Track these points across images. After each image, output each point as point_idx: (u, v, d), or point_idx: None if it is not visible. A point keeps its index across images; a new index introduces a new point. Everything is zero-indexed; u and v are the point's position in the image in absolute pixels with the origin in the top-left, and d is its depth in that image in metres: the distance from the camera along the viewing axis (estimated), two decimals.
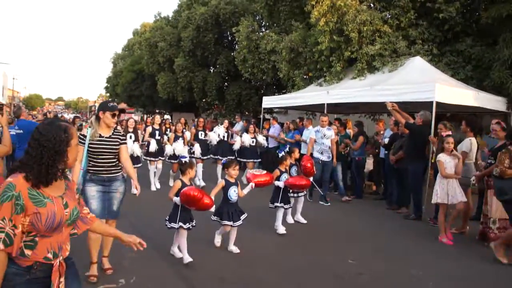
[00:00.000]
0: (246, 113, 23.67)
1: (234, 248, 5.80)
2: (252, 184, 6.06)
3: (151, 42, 27.96)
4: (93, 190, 4.53)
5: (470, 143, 7.60)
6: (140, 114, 43.28)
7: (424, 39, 12.49)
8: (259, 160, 12.32)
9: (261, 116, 16.29)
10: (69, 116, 40.30)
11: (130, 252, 5.37)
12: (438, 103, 8.73)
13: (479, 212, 7.78)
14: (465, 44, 12.11)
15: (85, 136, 4.47)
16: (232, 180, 5.78)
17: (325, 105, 11.55)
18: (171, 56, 25.90)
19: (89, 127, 4.56)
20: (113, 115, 4.56)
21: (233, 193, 5.70)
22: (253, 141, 11.79)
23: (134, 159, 9.11)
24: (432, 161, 8.03)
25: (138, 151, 9.96)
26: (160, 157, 10.68)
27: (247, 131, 12.42)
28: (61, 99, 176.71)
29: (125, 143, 4.80)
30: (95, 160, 4.53)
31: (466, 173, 7.33)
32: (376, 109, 14.20)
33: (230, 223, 5.64)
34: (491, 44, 11.80)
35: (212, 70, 25.49)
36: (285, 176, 7.05)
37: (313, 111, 16.09)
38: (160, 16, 32.88)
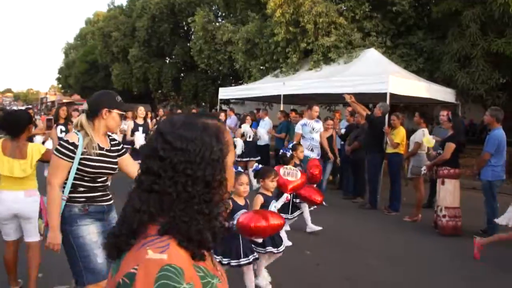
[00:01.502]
0: (203, 104, 23.47)
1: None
2: (287, 195, 5.03)
3: (105, 32, 27.21)
4: (93, 232, 2.96)
5: (423, 134, 7.80)
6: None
7: (378, 32, 12.71)
8: (259, 157, 10.35)
9: (218, 107, 16.17)
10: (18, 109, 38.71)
11: None
12: (391, 95, 8.89)
13: (431, 200, 8.02)
14: (417, 37, 12.44)
15: (75, 147, 2.87)
16: (270, 194, 4.43)
17: (282, 96, 11.56)
18: (126, 46, 25.31)
19: (78, 131, 2.98)
20: (122, 116, 3.18)
21: (274, 209, 4.25)
22: (250, 136, 10.52)
23: None
24: (386, 151, 8.18)
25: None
26: None
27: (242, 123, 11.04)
28: (10, 90, 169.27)
29: (126, 152, 3.37)
30: (89, 183, 2.96)
31: (418, 163, 7.54)
32: (332, 100, 14.36)
33: (275, 249, 4.25)
34: (441, 37, 12.15)
35: (167, 61, 25.12)
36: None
37: (270, 102, 16.12)
38: (113, 5, 31.98)
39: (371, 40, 12.40)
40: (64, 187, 2.89)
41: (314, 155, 7.98)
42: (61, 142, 2.88)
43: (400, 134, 7.95)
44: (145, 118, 9.31)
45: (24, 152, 3.81)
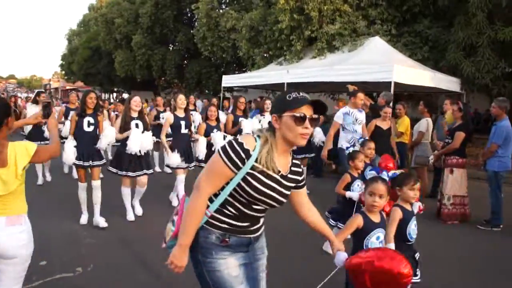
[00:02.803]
0: (206, 91, 23.41)
1: None
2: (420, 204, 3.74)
3: (108, 18, 27.09)
4: (233, 265, 2.25)
5: (427, 124, 7.79)
6: (98, 92, 42.22)
7: (383, 19, 12.59)
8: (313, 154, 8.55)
9: (221, 95, 16.11)
10: (23, 95, 38.60)
11: (88, 238, 5.26)
12: (396, 83, 8.83)
13: (434, 190, 7.98)
14: (423, 25, 12.31)
15: (247, 155, 2.07)
16: (410, 208, 3.42)
17: (285, 84, 11.50)
18: (129, 33, 25.20)
19: (258, 136, 2.16)
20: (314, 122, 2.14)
21: (414, 229, 3.38)
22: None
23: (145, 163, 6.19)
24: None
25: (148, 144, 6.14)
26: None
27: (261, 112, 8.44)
28: (13, 77, 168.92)
29: (304, 185, 2.43)
30: (243, 207, 2.18)
31: (422, 152, 7.52)
32: (336, 88, 14.28)
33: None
34: (447, 26, 12.02)
35: (171, 48, 25.03)
36: (358, 185, 4.72)
37: (273, 90, 16.05)
38: None
39: (376, 28, 12.28)
40: (211, 201, 2.17)
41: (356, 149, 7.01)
42: (234, 143, 2.08)
43: (404, 123, 7.91)
44: (186, 109, 6.87)
45: (2, 157, 2.55)
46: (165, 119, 6.86)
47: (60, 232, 5.49)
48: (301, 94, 2.12)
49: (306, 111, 2.06)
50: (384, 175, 3.72)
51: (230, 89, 20.16)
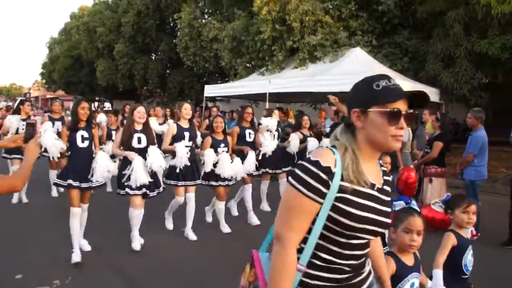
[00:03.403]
0: (189, 101, 23.35)
1: None
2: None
3: (90, 27, 26.89)
4: None
5: (408, 133, 7.92)
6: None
7: (364, 31, 12.78)
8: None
9: (203, 105, 16.11)
10: (2, 104, 37.98)
11: (66, 250, 5.20)
12: None
13: (416, 198, 8.07)
14: (402, 37, 12.53)
15: (329, 175, 1.53)
16: (463, 234, 2.98)
17: (267, 94, 11.55)
18: (111, 42, 25.04)
19: (333, 146, 1.65)
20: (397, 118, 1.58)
21: (471, 259, 2.94)
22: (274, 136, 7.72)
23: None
24: None
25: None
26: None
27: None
28: None
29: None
30: (342, 248, 1.63)
31: (404, 162, 7.62)
32: (317, 99, 14.38)
33: None
34: (426, 37, 12.26)
35: (153, 57, 24.92)
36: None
37: (255, 100, 16.10)
38: (99, 0, 31.66)
39: (356, 39, 12.46)
40: (299, 251, 1.60)
41: None
42: (307, 165, 1.54)
43: None
44: (190, 120, 6.12)
45: None
46: (168, 129, 6.08)
47: (36, 245, 5.41)
48: (392, 82, 1.62)
49: (401, 105, 1.56)
50: (414, 205, 3.42)
51: (212, 99, 20.17)
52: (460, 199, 3.06)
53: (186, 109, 5.98)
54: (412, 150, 8.18)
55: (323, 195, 1.51)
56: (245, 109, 7.03)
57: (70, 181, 4.82)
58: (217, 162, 5.96)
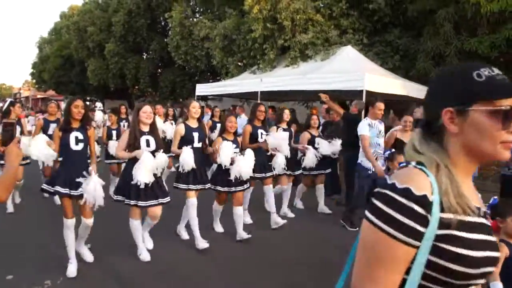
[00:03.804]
0: (181, 100, 23.33)
1: None
2: None
3: (80, 27, 26.76)
4: None
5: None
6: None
7: (355, 29, 12.80)
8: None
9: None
10: None
11: (57, 250, 5.17)
12: (367, 92, 8.96)
13: None
14: (393, 35, 12.58)
15: (425, 206, 1.08)
16: None
17: (259, 93, 11.55)
18: (102, 42, 24.93)
19: (421, 166, 1.17)
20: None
21: None
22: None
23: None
24: None
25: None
26: None
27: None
28: None
29: None
30: None
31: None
32: (309, 97, 14.41)
33: None
34: (416, 36, 12.31)
35: (144, 56, 24.86)
36: None
37: (247, 98, 16.10)
38: None
39: (348, 37, 12.48)
40: None
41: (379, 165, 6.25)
42: (392, 194, 1.12)
43: None
44: (199, 119, 5.75)
45: None
46: (175, 130, 5.61)
47: (27, 245, 5.38)
48: (495, 71, 1.18)
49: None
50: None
51: (204, 98, 20.16)
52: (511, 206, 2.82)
53: (195, 107, 5.58)
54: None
55: (419, 236, 1.08)
56: (257, 107, 6.53)
57: (57, 188, 4.38)
58: (231, 164, 5.54)
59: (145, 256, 4.97)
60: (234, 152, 5.59)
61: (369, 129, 6.28)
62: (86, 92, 34.52)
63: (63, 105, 25.55)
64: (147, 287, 4.32)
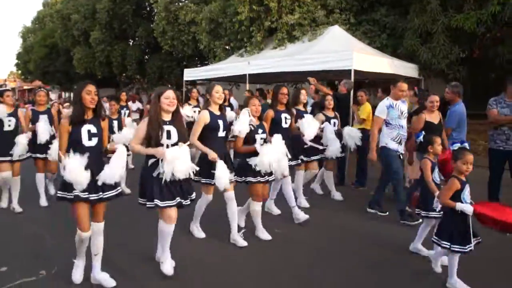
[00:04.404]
0: (169, 86, 23.20)
1: None
2: None
3: (64, 15, 26.38)
4: None
5: None
6: (57, 91, 41.07)
7: (342, 9, 12.74)
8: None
9: (183, 89, 15.99)
10: None
11: (50, 240, 5.14)
12: (356, 71, 8.96)
13: None
14: (380, 14, 12.52)
15: None
16: None
17: (247, 76, 11.51)
18: (87, 29, 24.60)
19: None
20: None
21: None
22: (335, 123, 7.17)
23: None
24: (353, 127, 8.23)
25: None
26: None
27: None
28: None
29: None
30: None
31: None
32: (298, 78, 14.39)
33: None
34: (403, 13, 12.27)
35: (131, 43, 24.60)
36: (467, 194, 3.90)
37: (236, 81, 16.04)
38: None
39: (334, 17, 12.42)
40: None
41: (402, 149, 6.09)
42: None
43: (366, 109, 8.02)
44: (221, 106, 5.01)
45: None
46: (199, 118, 4.88)
47: (20, 236, 5.35)
48: None
49: None
50: (466, 145, 4.15)
51: (192, 83, 20.05)
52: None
53: (218, 92, 4.87)
54: None
55: None
56: (279, 89, 5.80)
57: (76, 192, 3.64)
58: (256, 153, 4.92)
59: (168, 269, 4.17)
60: (261, 139, 5.07)
61: (390, 110, 5.93)
62: (73, 81, 34.14)
63: (52, 95, 25.27)
64: (144, 274, 4.31)
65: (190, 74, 14.49)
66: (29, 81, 46.05)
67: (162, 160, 3.87)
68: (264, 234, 5.26)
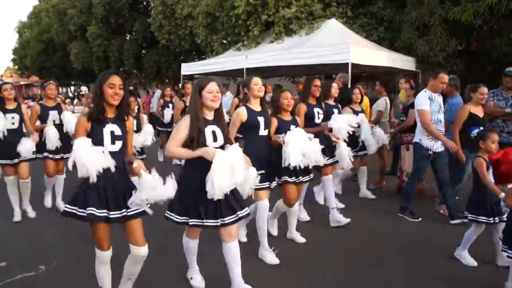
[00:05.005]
0: (167, 80, 23.15)
1: None
2: None
3: (60, 9, 26.21)
4: None
5: (385, 103, 7.97)
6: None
7: (339, 2, 12.73)
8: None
9: (181, 84, 15.98)
10: None
11: (49, 235, 5.16)
12: (353, 64, 8.97)
13: (394, 167, 8.19)
14: (377, 6, 12.51)
15: None
16: None
17: (245, 70, 11.50)
18: (83, 24, 24.46)
19: None
20: None
21: None
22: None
23: None
24: None
25: None
26: None
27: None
28: None
29: None
30: None
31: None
32: (295, 72, 14.38)
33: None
34: (401, 6, 12.24)
35: (128, 38, 24.48)
36: None
37: (233, 76, 16.03)
38: None
39: (332, 10, 12.40)
40: None
41: (439, 146, 5.68)
42: None
43: (364, 103, 8.03)
44: (261, 101, 4.42)
45: None
46: (235, 115, 4.28)
47: (18, 232, 5.37)
48: None
49: None
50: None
51: (190, 77, 20.02)
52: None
53: (258, 84, 4.27)
54: (390, 119, 8.27)
55: None
56: (313, 81, 5.25)
57: (92, 210, 2.95)
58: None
59: (198, 284, 3.80)
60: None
61: (430, 103, 5.52)
62: (70, 77, 34.08)
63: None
64: (143, 269, 4.32)
65: (187, 68, 14.47)
66: (25, 77, 45.89)
67: (211, 164, 3.11)
68: (299, 238, 4.99)
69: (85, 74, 29.66)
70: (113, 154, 3.02)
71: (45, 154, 5.91)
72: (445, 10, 10.65)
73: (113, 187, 3.04)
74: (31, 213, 5.89)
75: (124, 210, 3.07)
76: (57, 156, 5.99)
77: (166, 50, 21.77)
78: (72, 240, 5.01)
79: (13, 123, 5.47)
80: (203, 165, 3.16)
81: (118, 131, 3.11)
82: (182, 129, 3.30)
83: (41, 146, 5.74)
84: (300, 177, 4.56)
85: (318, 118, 5.28)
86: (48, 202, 6.43)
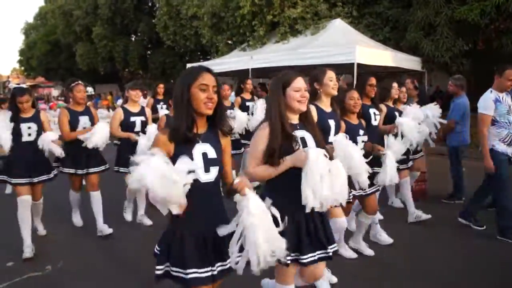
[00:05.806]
0: (171, 81, 23.20)
1: None
2: None
3: (66, 10, 26.41)
4: None
5: None
6: (60, 88, 41.10)
7: (344, 2, 12.73)
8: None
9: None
10: None
11: (55, 235, 5.16)
12: (359, 64, 8.95)
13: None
14: (383, 6, 12.50)
15: None
16: None
17: (250, 70, 11.49)
18: (89, 25, 24.63)
19: None
20: None
21: None
22: None
23: None
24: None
25: None
26: None
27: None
28: None
29: None
30: None
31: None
32: (300, 72, 14.36)
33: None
34: (406, 6, 12.22)
35: (133, 38, 24.60)
36: None
37: (238, 76, 16.03)
38: None
39: (337, 10, 12.40)
40: None
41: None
42: None
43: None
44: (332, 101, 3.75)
45: None
46: None
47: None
48: None
49: None
50: None
51: None
52: None
53: (333, 79, 3.52)
54: None
55: None
56: (368, 80, 4.63)
57: (195, 273, 2.11)
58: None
59: None
60: (363, 141, 3.87)
61: (498, 105, 4.77)
62: (75, 77, 34.15)
63: (53, 91, 25.17)
64: (145, 267, 4.32)
65: None
66: (31, 78, 46.10)
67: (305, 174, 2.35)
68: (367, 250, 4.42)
69: (90, 75, 29.79)
70: (207, 185, 2.15)
71: (73, 169, 4.94)
72: (451, 10, 10.62)
73: (213, 245, 2.18)
74: (42, 231, 5.17)
75: (219, 263, 2.19)
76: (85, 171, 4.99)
77: (171, 51, 21.85)
78: (79, 240, 5.02)
79: (29, 134, 4.47)
80: (291, 180, 2.40)
81: (212, 153, 2.18)
82: (260, 142, 2.48)
83: (67, 160, 4.88)
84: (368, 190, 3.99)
85: (375, 119, 4.61)
86: (78, 220, 5.55)
